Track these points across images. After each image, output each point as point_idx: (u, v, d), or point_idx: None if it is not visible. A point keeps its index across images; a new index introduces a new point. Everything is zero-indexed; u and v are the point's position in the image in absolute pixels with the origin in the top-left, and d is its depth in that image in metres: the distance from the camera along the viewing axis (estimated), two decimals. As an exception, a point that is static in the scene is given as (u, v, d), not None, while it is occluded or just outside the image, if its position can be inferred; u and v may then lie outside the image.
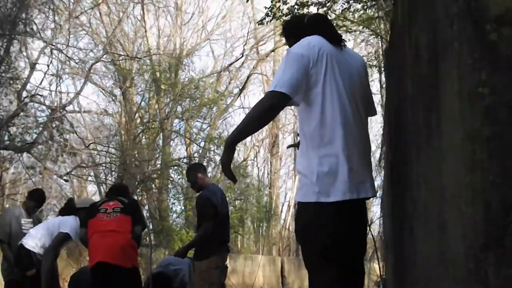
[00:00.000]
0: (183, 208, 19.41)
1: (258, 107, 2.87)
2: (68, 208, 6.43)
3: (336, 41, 3.03)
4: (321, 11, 9.82)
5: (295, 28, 3.23)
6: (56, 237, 6.06)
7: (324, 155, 2.79)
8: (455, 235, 1.60)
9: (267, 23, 11.05)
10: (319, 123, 2.84)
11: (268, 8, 10.11)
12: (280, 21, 10.19)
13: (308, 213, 2.84)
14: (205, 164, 15.95)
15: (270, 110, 2.89)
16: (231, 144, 2.90)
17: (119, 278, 5.54)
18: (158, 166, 19.45)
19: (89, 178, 19.10)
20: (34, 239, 6.10)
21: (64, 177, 14.95)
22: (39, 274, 5.99)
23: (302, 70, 2.82)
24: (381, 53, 13.01)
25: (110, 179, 17.94)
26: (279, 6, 9.96)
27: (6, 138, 12.72)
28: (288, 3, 10.02)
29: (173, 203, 20.32)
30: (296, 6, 9.79)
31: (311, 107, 2.86)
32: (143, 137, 19.99)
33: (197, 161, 18.45)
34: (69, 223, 6.14)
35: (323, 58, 2.85)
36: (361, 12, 10.43)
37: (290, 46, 3.14)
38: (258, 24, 12.02)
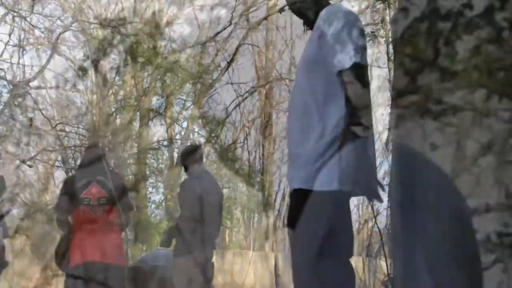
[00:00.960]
0: (162, 198, 19.41)
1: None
2: None
3: None
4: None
5: None
6: None
7: (348, 145, 2.82)
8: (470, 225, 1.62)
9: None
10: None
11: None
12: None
13: (326, 200, 2.85)
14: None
15: None
16: None
17: (116, 278, 5.58)
18: (135, 150, 19.42)
19: (56, 164, 19.06)
20: None
21: (28, 163, 14.91)
22: None
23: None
24: (388, 21, 12.99)
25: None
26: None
27: (-40, 117, 12.68)
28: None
29: (151, 193, 20.31)
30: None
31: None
32: (118, 116, 19.93)
33: (179, 144, 18.44)
34: None
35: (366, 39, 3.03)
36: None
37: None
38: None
